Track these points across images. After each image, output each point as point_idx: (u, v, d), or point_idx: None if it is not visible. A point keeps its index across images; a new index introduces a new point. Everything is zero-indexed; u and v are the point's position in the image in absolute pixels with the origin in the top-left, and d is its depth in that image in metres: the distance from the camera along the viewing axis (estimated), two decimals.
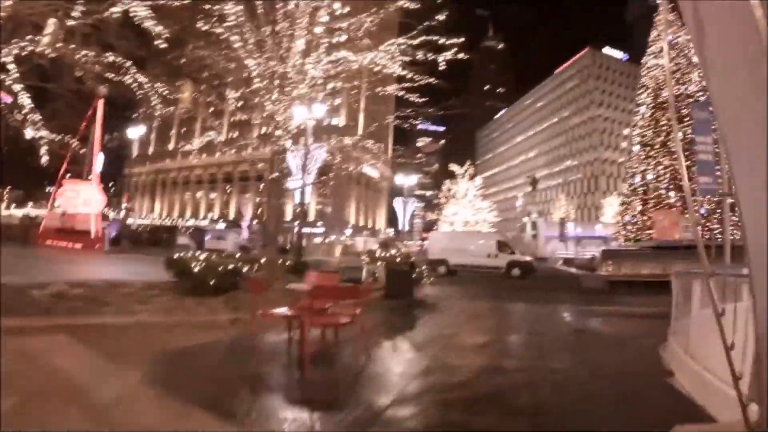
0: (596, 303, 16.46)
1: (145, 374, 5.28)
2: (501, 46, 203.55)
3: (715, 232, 27.18)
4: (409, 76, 15.81)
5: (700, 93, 28.25)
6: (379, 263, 15.74)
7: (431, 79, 15.90)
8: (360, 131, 42.90)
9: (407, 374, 6.00)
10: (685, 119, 29.26)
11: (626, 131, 71.13)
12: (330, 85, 16.47)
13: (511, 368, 6.61)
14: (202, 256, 11.34)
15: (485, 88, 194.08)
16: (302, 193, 18.55)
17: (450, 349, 7.81)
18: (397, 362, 6.82)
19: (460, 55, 14.86)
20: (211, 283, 10.02)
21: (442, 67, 14.87)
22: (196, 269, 10.28)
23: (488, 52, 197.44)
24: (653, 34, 33.23)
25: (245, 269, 10.95)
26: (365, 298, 7.21)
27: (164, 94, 14.96)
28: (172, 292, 9.96)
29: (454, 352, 7.58)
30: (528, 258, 30.85)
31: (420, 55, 15.14)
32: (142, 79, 14.21)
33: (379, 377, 5.85)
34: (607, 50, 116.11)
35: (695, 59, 30.39)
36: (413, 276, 14.64)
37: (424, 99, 16.98)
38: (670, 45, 31.12)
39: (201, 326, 8.17)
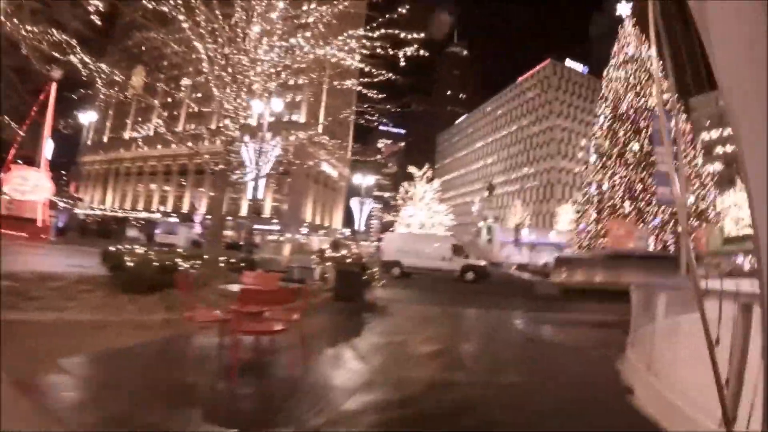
0: (550, 310, 16.33)
1: (46, 382, 4.55)
2: (465, 52, 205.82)
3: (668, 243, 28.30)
4: (368, 69, 15.22)
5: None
6: (329, 263, 15.12)
7: (390, 75, 15.37)
8: (320, 128, 42.20)
9: (347, 388, 5.36)
10: (641, 131, 30.16)
11: (583, 142, 72.74)
12: (284, 75, 15.67)
13: (462, 382, 6.05)
14: (140, 250, 10.44)
15: (447, 93, 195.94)
16: (255, 188, 17.77)
17: (397, 360, 7.22)
18: (338, 374, 6.13)
19: (422, 52, 14.39)
20: (146, 279, 9.17)
21: (402, 63, 14.39)
22: (130, 264, 9.40)
23: (452, 57, 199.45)
24: (616, 47, 33.81)
25: (185, 265, 10.13)
26: (303, 303, 6.54)
27: (111, 76, 14.04)
28: (106, 287, 9.04)
29: (400, 363, 6.99)
30: (482, 262, 30.85)
31: (380, 49, 14.57)
32: (87, 59, 13.27)
33: (314, 391, 5.19)
34: (569, 62, 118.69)
35: (656, 73, 31.65)
36: (364, 278, 14.08)
37: (382, 95, 16.50)
38: (631, 58, 31.96)
39: (128, 326, 7.35)
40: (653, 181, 24.04)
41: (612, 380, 6.35)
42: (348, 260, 15.45)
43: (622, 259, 23.74)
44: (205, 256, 11.97)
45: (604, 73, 33.90)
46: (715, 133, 67.04)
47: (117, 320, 7.65)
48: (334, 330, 9.32)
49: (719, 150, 64.04)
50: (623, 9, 34.32)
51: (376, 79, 15.53)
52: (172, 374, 5.42)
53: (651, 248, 27.33)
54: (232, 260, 13.45)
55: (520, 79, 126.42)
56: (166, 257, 10.26)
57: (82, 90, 17.58)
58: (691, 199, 26.97)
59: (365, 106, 16.85)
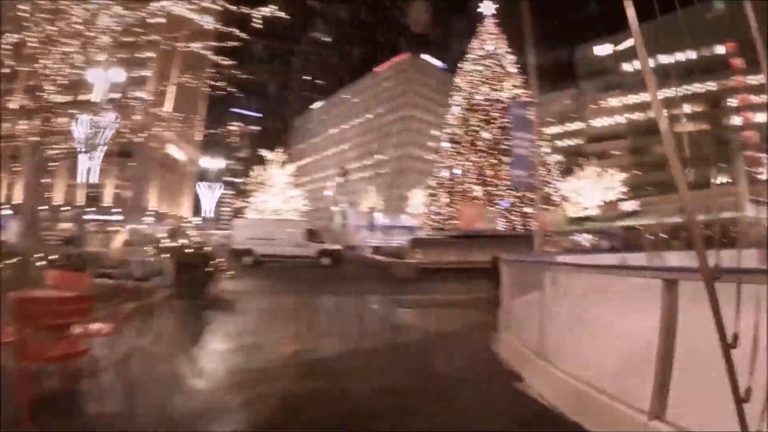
0: (409, 292, 15.97)
1: None
2: (327, 39, 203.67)
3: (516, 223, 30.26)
4: (220, 29, 13.43)
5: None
6: (166, 255, 13.10)
7: (244, 36, 13.72)
8: (171, 107, 38.37)
9: (183, 421, 4.05)
10: (492, 121, 31.81)
11: (434, 132, 75.75)
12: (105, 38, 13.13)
13: (322, 392, 4.88)
14: None
15: (305, 78, 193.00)
16: (88, 171, 15.04)
17: (240, 375, 5.56)
18: (171, 402, 4.56)
19: (280, 14, 13.01)
20: None
21: (260, 24, 12.89)
22: None
23: (313, 42, 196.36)
24: (474, 42, 35.38)
25: None
26: (118, 310, 4.97)
27: None
28: None
29: (245, 380, 5.32)
30: (338, 246, 30.34)
31: (233, 6, 12.89)
32: None
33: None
34: (426, 57, 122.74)
35: (510, 69, 34.08)
36: (208, 269, 12.43)
37: (240, 74, 14.84)
38: (488, 54, 33.77)
39: None
40: (510, 165, 25.38)
41: (496, 369, 5.69)
42: (188, 250, 13.55)
43: (472, 238, 24.69)
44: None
45: (461, 65, 35.30)
46: (557, 129, 73.60)
47: None
48: (169, 338, 7.41)
49: (559, 144, 70.47)
50: (486, 8, 35.81)
51: (228, 43, 13.82)
52: None
53: (500, 228, 28.89)
54: (51, 258, 10.95)
55: (377, 69, 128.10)
56: None
57: None
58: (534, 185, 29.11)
59: (214, 72, 14.98)
